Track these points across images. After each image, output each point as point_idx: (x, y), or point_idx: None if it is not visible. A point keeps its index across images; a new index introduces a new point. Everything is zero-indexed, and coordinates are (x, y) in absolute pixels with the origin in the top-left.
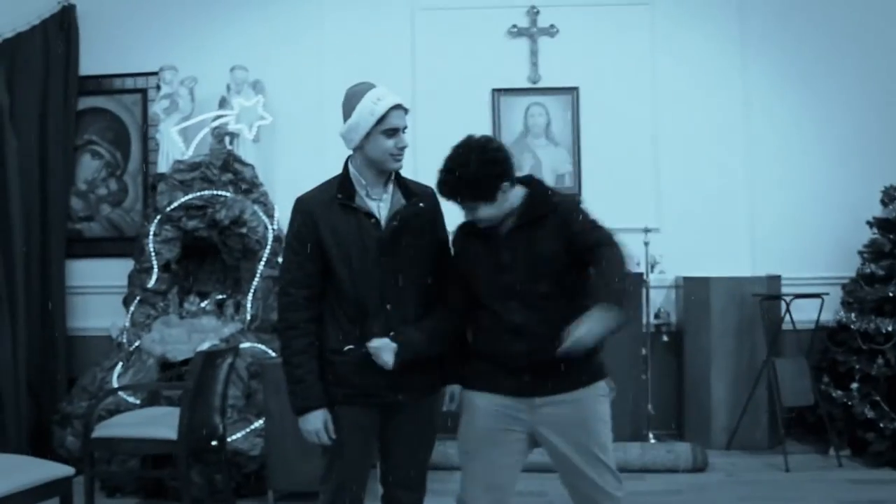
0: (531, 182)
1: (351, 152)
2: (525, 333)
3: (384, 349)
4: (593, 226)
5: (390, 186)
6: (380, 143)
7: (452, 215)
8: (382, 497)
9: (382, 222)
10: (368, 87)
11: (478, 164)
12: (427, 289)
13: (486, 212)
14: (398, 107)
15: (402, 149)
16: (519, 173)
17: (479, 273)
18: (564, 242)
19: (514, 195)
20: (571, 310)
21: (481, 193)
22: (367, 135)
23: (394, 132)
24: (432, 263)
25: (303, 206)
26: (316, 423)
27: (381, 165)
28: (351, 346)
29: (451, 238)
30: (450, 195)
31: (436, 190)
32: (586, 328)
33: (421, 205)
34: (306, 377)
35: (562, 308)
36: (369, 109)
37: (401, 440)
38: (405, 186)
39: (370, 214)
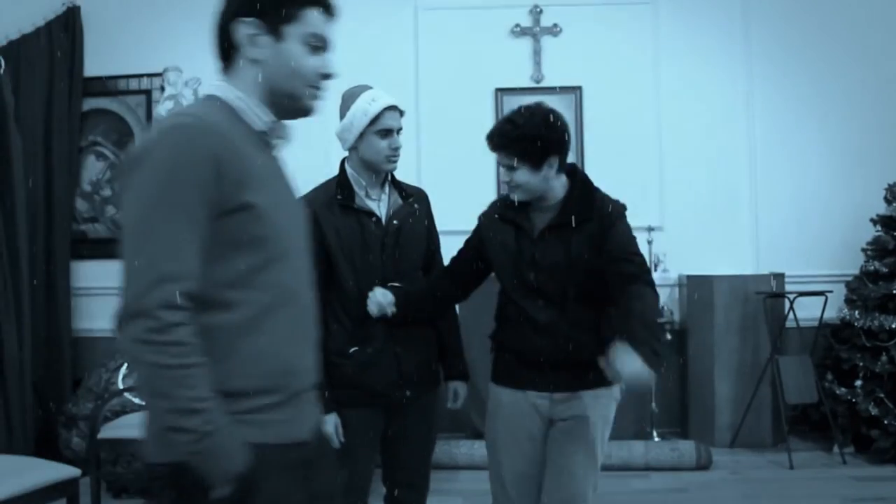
0: (575, 174)
1: (346, 153)
2: (550, 332)
3: (373, 298)
4: (632, 252)
5: (387, 187)
6: (374, 144)
7: (445, 217)
8: (385, 497)
9: (383, 221)
10: (364, 88)
11: (541, 123)
12: None
13: (525, 178)
14: (393, 108)
15: (396, 150)
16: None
17: (506, 266)
18: (597, 252)
19: (558, 183)
20: (597, 311)
21: (531, 153)
22: (361, 135)
23: (388, 133)
24: (426, 263)
25: (305, 208)
26: (329, 426)
27: (376, 166)
28: (356, 348)
29: (479, 219)
30: (500, 146)
31: (486, 140)
32: (639, 366)
33: (416, 205)
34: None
35: (588, 309)
36: (363, 110)
37: (405, 439)
38: (400, 187)
39: (371, 213)
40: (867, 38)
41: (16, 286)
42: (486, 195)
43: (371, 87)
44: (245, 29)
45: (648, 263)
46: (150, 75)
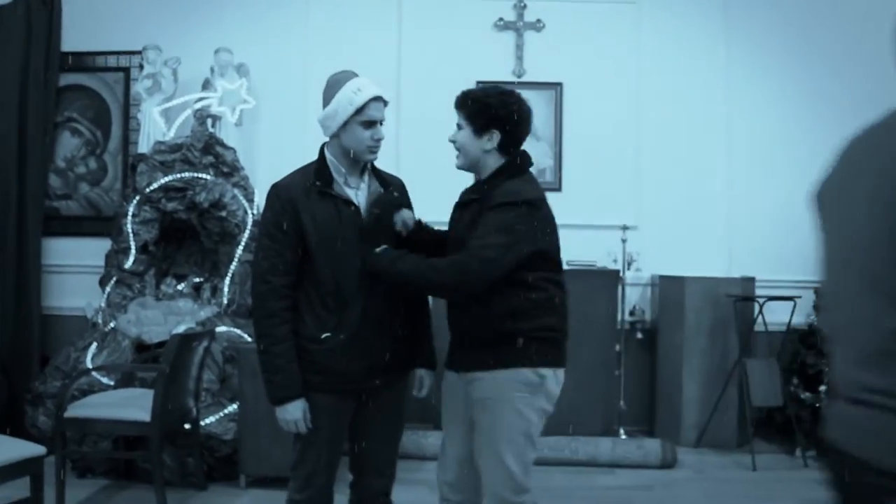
0: (509, 162)
1: (327, 139)
2: (457, 309)
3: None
4: (480, 241)
5: (366, 176)
6: (356, 134)
7: (424, 206)
8: (352, 483)
9: (362, 210)
10: (350, 75)
11: (497, 95)
12: None
13: (464, 140)
14: (378, 99)
15: (379, 140)
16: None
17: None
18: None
19: (492, 161)
20: (497, 291)
21: (475, 117)
22: (345, 124)
23: (371, 124)
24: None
25: (282, 193)
26: (296, 412)
27: (357, 156)
28: (328, 334)
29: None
30: (456, 103)
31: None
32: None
33: (396, 194)
34: (287, 366)
35: (495, 292)
36: (349, 99)
37: (373, 426)
38: (380, 176)
39: (349, 202)
40: (847, 44)
41: None
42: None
43: (357, 75)
44: None
45: (622, 262)
46: (129, 53)
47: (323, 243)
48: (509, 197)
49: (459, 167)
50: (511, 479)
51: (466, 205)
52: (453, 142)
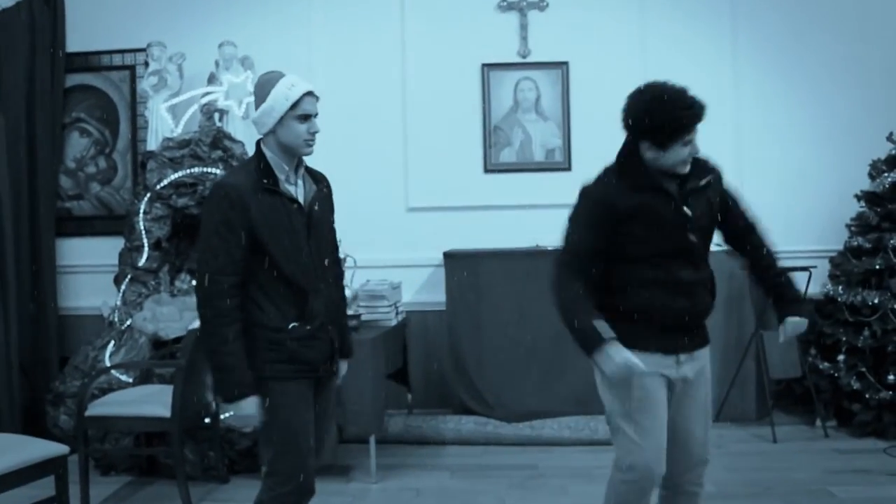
0: None
1: (261, 136)
2: (691, 291)
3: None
4: (741, 201)
5: (301, 171)
6: (293, 128)
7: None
8: None
9: (304, 207)
10: (281, 74)
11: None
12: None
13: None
14: (310, 94)
15: (314, 134)
16: None
17: (655, 229)
18: (722, 205)
19: None
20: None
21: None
22: (281, 119)
23: (306, 118)
24: (334, 247)
25: (232, 193)
26: (252, 408)
27: (294, 150)
28: (295, 324)
29: (595, 196)
30: (700, 115)
31: (686, 111)
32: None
33: (325, 190)
34: (238, 364)
35: (708, 267)
36: (284, 94)
37: (323, 412)
38: (311, 172)
39: (293, 199)
40: (853, 15)
41: (1, 265)
42: (472, 170)
43: (285, 74)
44: None
45: None
46: (133, 51)
47: (275, 240)
48: (711, 161)
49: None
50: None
51: (703, 189)
52: (690, 151)
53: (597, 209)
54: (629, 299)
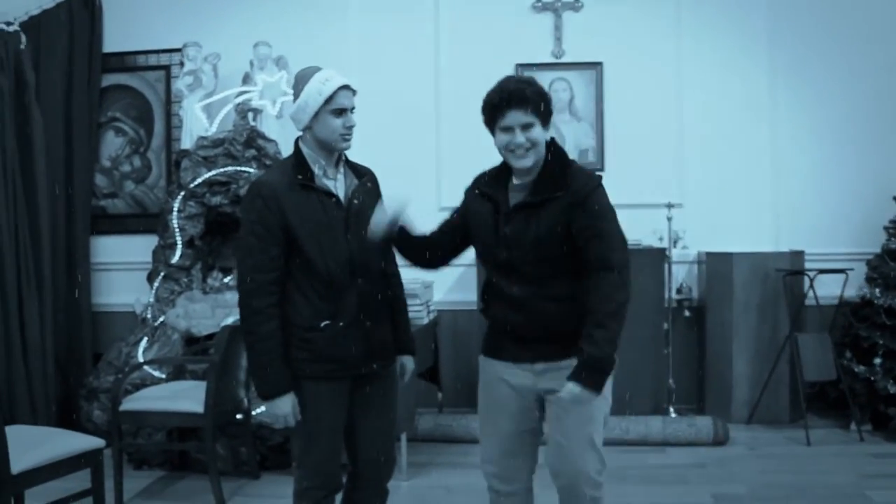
0: (550, 148)
1: (300, 133)
2: (523, 307)
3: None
4: (599, 232)
5: (341, 166)
6: (328, 123)
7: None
8: (350, 474)
9: (343, 201)
10: (316, 69)
11: (536, 83)
12: (385, 262)
13: (540, 135)
14: (346, 87)
15: (350, 128)
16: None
17: (480, 239)
18: (567, 227)
19: (541, 153)
20: (571, 286)
21: (545, 110)
22: (316, 114)
23: (341, 112)
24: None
25: (266, 191)
26: (286, 406)
27: (331, 145)
28: (327, 322)
29: (465, 192)
30: (522, 101)
31: (500, 102)
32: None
33: (369, 184)
34: (275, 362)
35: (562, 284)
36: (317, 89)
37: (370, 412)
38: (353, 167)
39: (330, 194)
40: (890, 17)
41: (37, 262)
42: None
43: (321, 68)
44: None
45: (668, 240)
46: (169, 51)
47: (311, 236)
48: (595, 180)
49: (530, 167)
50: (599, 460)
51: (533, 206)
52: (529, 143)
53: (461, 206)
54: (488, 308)
